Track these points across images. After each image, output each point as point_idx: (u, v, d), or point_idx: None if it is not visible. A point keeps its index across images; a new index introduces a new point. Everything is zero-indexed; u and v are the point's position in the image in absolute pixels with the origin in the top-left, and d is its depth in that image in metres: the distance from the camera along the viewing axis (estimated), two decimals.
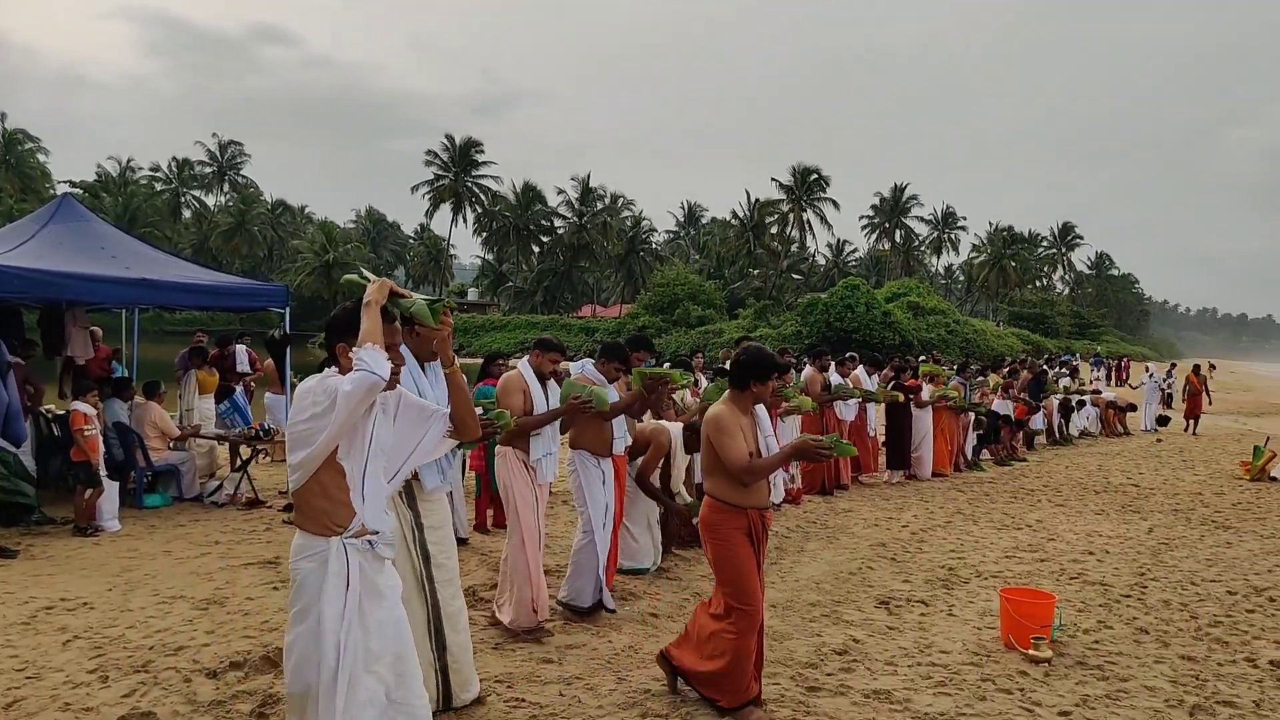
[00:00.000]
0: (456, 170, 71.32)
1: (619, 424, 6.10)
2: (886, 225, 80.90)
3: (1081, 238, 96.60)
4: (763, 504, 4.38)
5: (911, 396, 12.41)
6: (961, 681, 4.93)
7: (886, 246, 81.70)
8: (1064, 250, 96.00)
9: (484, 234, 73.80)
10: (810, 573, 7.24)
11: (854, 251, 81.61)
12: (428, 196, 71.97)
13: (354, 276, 3.41)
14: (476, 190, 71.97)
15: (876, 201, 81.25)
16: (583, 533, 5.93)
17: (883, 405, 12.10)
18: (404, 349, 3.78)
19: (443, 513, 4.31)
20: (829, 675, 4.99)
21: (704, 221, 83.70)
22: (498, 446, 5.60)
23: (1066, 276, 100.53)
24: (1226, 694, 4.85)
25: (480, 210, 72.46)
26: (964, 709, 4.56)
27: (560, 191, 69.94)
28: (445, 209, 72.93)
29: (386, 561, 3.18)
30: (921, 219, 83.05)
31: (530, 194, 70.98)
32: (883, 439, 12.78)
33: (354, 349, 2.92)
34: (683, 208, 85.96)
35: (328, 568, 2.98)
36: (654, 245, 76.37)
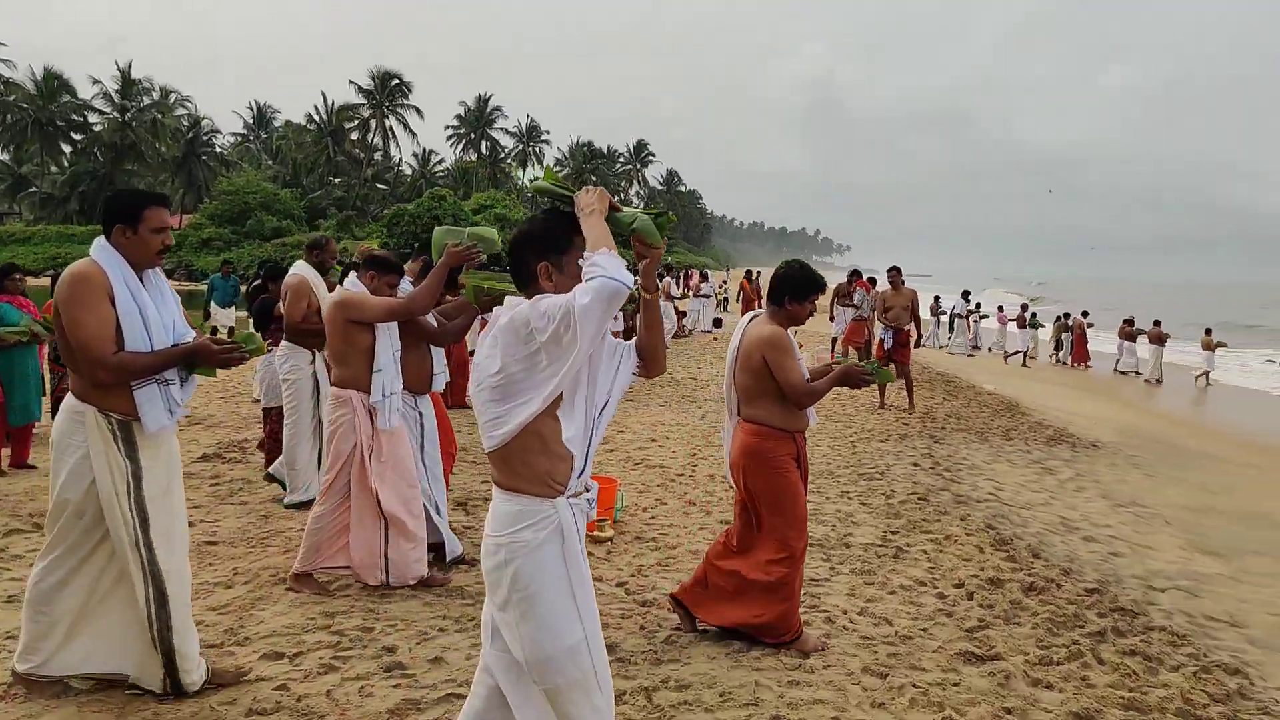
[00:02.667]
0: None
1: (439, 355, 5.23)
2: (472, 136, 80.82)
3: (654, 155, 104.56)
4: (805, 426, 4.20)
5: None
6: None
7: (473, 158, 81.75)
8: (639, 166, 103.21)
9: None
10: None
11: (441, 162, 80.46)
12: None
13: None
14: None
15: (461, 112, 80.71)
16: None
17: None
18: (120, 255, 3.25)
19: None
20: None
21: (277, 125, 77.14)
22: (333, 389, 4.66)
23: (642, 191, 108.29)
24: None
25: None
26: None
27: (96, 82, 59.85)
28: None
29: None
30: (507, 131, 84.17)
31: (55, 83, 60.01)
32: None
33: (586, 254, 2.29)
34: (251, 109, 78.22)
35: (561, 535, 2.37)
36: (218, 149, 69.01)
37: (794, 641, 4.11)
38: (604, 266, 2.22)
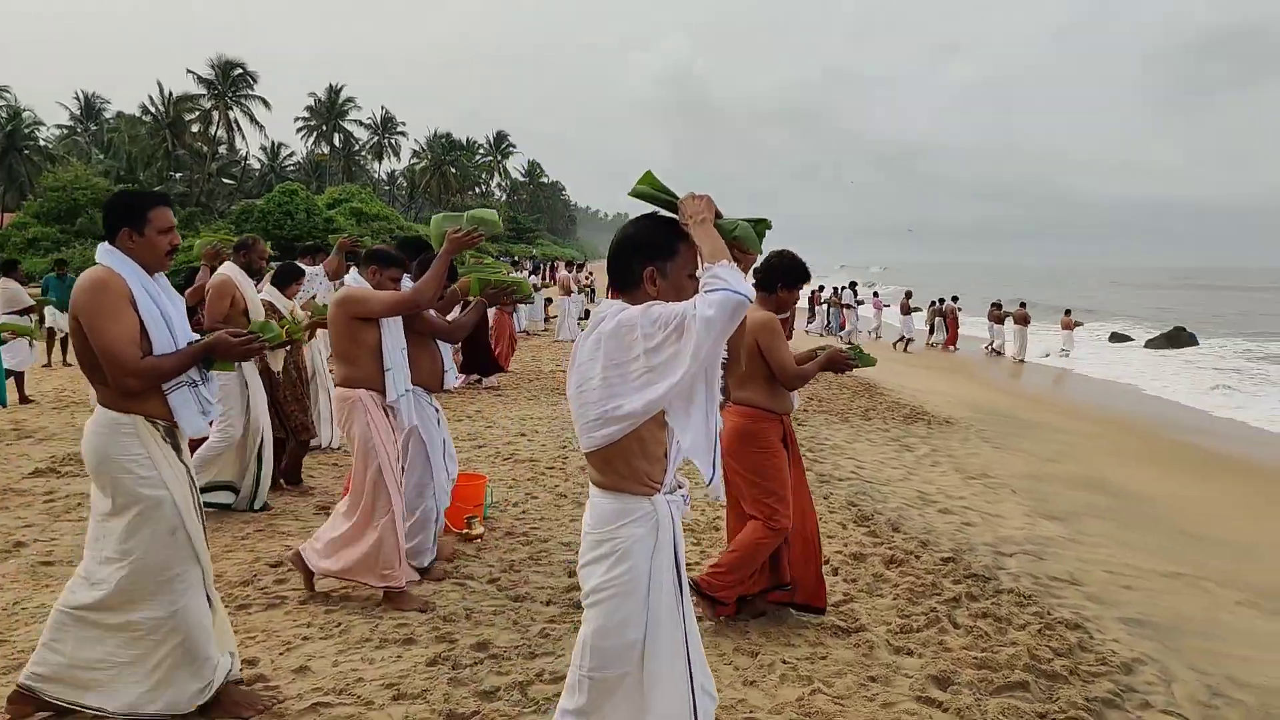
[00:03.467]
0: None
1: (447, 351, 5.06)
2: (324, 128, 78.00)
3: (515, 146, 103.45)
4: (792, 409, 4.37)
5: None
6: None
7: (326, 150, 78.92)
8: (500, 158, 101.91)
9: None
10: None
11: (291, 155, 77.30)
12: None
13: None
14: None
15: (312, 103, 77.74)
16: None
17: None
18: (130, 259, 3.18)
19: None
20: (262, 589, 4.70)
21: (108, 116, 72.23)
22: (340, 389, 4.50)
23: (503, 183, 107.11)
24: None
25: None
26: None
27: None
28: None
29: None
30: (361, 123, 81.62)
31: None
32: None
33: (705, 265, 2.22)
34: (78, 99, 72.97)
35: (658, 531, 2.41)
36: (42, 142, 64.15)
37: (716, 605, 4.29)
38: (727, 279, 2.17)
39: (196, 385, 3.26)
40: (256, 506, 6.06)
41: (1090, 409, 14.81)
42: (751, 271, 3.50)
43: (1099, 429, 12.53)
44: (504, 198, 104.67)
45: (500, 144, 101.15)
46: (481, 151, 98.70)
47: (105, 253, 3.19)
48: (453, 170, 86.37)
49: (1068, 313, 24.65)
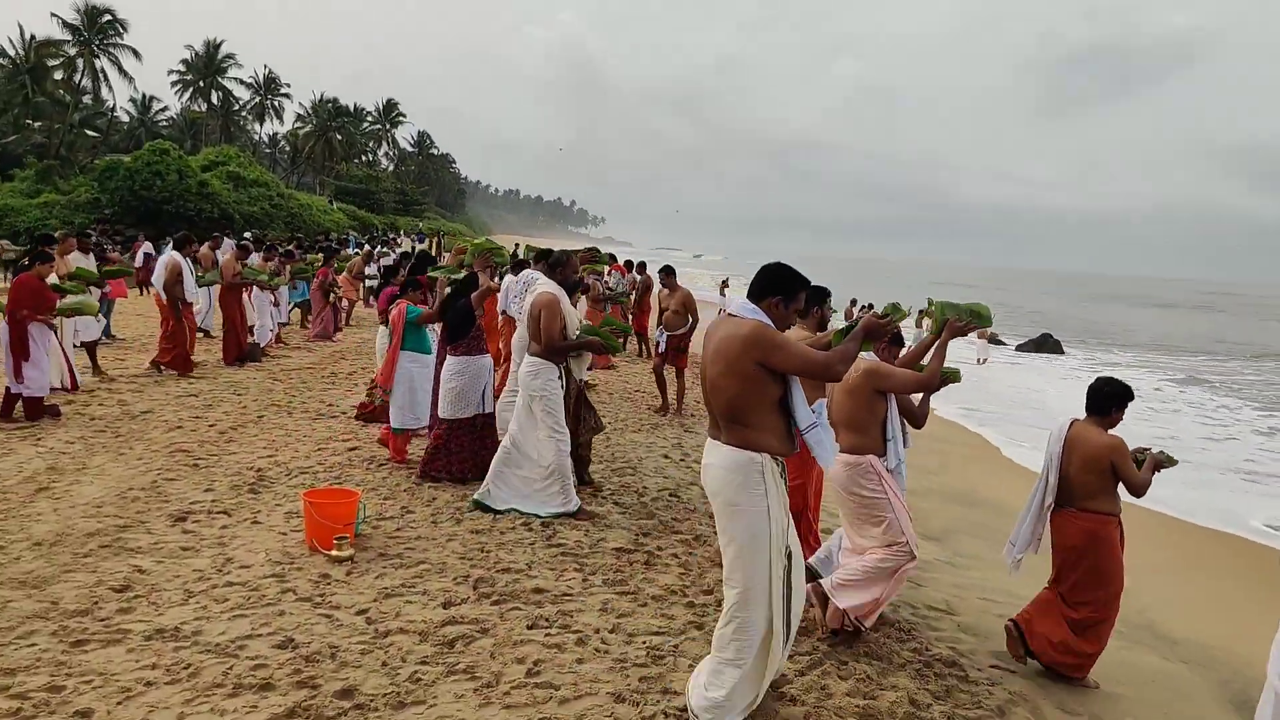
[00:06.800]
0: None
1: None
2: (201, 84, 73.88)
3: (404, 116, 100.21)
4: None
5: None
6: (260, 599, 4.64)
7: (203, 108, 74.83)
8: (388, 127, 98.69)
9: None
10: (89, 495, 6.22)
11: (164, 110, 72.94)
12: None
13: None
14: None
15: (189, 56, 73.49)
16: None
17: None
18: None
19: None
20: (103, 621, 4.29)
21: None
22: (858, 458, 4.63)
23: (391, 153, 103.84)
24: (506, 561, 5.36)
25: None
26: (260, 629, 4.29)
27: None
28: None
29: None
30: (242, 81, 77.67)
31: None
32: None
33: None
34: None
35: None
36: None
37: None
38: None
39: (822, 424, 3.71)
40: None
41: (952, 413, 15.15)
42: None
43: (971, 439, 12.93)
44: (391, 167, 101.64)
45: (390, 112, 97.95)
46: (370, 119, 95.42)
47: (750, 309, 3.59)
48: (339, 137, 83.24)
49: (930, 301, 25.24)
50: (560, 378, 6.18)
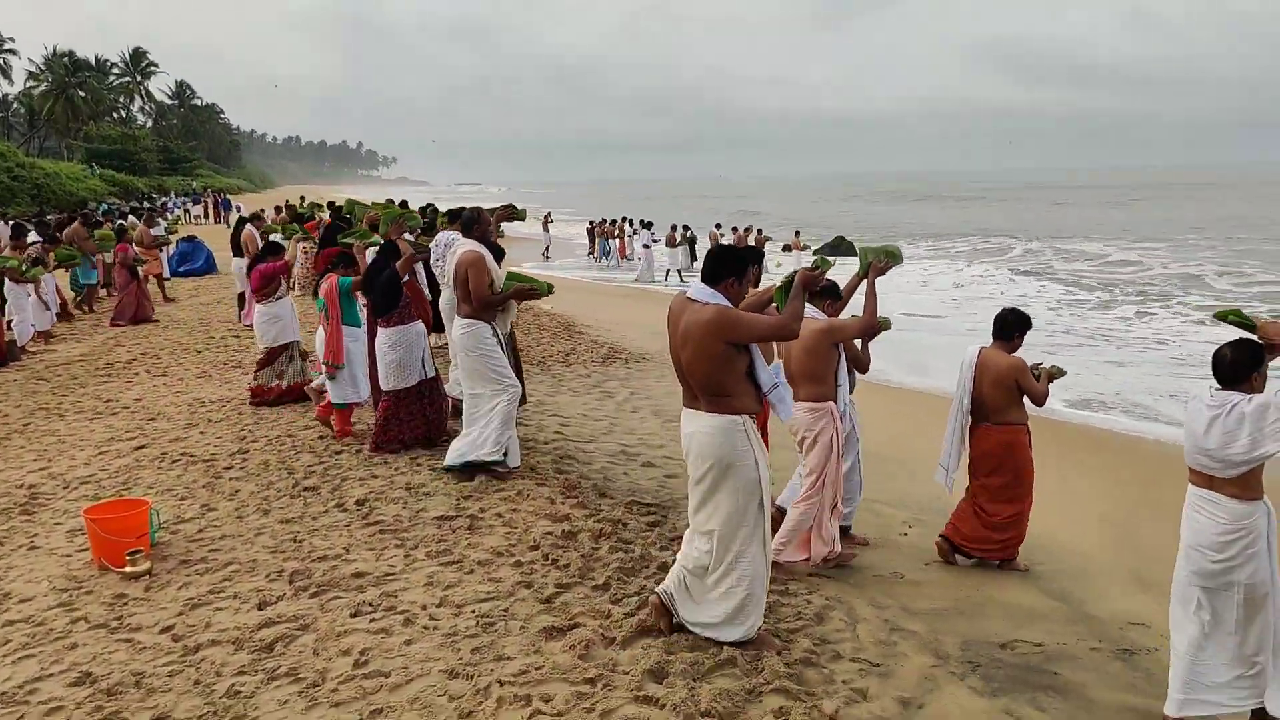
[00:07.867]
0: None
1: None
2: None
3: (156, 65, 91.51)
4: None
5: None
6: (48, 634, 4.25)
7: None
8: (139, 78, 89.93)
9: None
10: None
11: None
12: None
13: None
14: None
15: None
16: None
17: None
18: None
19: None
20: None
21: None
22: (820, 405, 5.23)
23: (147, 108, 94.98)
24: (321, 549, 5.15)
25: None
26: (50, 667, 3.94)
27: None
28: None
29: None
30: None
31: None
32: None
33: None
34: None
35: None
36: None
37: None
38: None
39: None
40: None
41: None
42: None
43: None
44: (150, 123, 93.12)
45: (139, 62, 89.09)
46: (116, 72, 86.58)
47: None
48: (81, 94, 75.10)
49: (797, 234, 25.59)
50: (493, 334, 6.26)
